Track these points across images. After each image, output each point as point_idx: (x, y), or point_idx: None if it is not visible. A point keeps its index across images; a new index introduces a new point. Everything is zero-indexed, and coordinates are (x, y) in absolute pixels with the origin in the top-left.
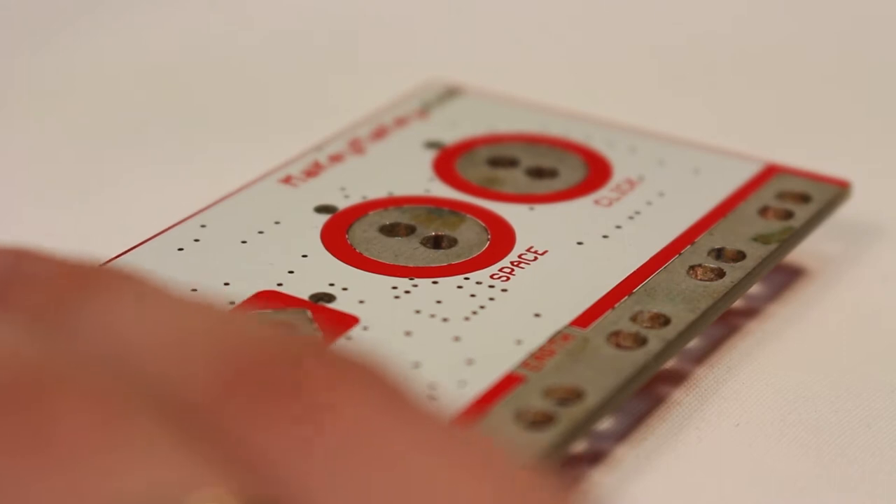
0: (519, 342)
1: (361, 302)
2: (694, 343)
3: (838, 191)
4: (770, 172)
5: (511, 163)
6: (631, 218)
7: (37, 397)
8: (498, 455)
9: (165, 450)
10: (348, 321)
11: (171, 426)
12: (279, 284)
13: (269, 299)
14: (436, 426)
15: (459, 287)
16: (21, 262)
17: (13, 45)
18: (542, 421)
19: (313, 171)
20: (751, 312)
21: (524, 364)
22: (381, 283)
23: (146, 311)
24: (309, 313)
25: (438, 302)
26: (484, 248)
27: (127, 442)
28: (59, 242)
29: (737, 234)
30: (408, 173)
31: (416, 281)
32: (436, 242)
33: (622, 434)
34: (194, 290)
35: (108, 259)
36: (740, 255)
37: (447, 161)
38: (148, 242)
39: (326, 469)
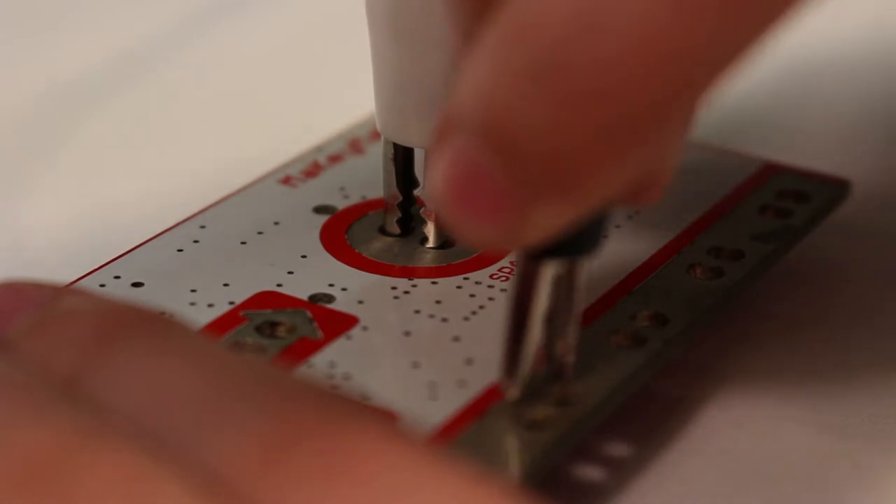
0: None
1: (361, 302)
2: (693, 342)
3: (837, 189)
4: (769, 171)
5: None
6: (630, 217)
7: (68, 472)
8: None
9: None
10: (348, 321)
11: (201, 500)
12: (279, 285)
13: (269, 300)
14: (460, 474)
15: (459, 287)
16: (60, 298)
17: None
18: (541, 421)
19: (312, 171)
20: (750, 311)
21: None
22: (381, 284)
23: (186, 363)
24: (308, 313)
25: (438, 302)
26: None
27: None
28: (57, 242)
29: (736, 232)
30: None
31: (416, 281)
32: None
33: (622, 434)
34: (193, 290)
35: (107, 261)
36: (739, 254)
37: None
38: (147, 243)
39: None
